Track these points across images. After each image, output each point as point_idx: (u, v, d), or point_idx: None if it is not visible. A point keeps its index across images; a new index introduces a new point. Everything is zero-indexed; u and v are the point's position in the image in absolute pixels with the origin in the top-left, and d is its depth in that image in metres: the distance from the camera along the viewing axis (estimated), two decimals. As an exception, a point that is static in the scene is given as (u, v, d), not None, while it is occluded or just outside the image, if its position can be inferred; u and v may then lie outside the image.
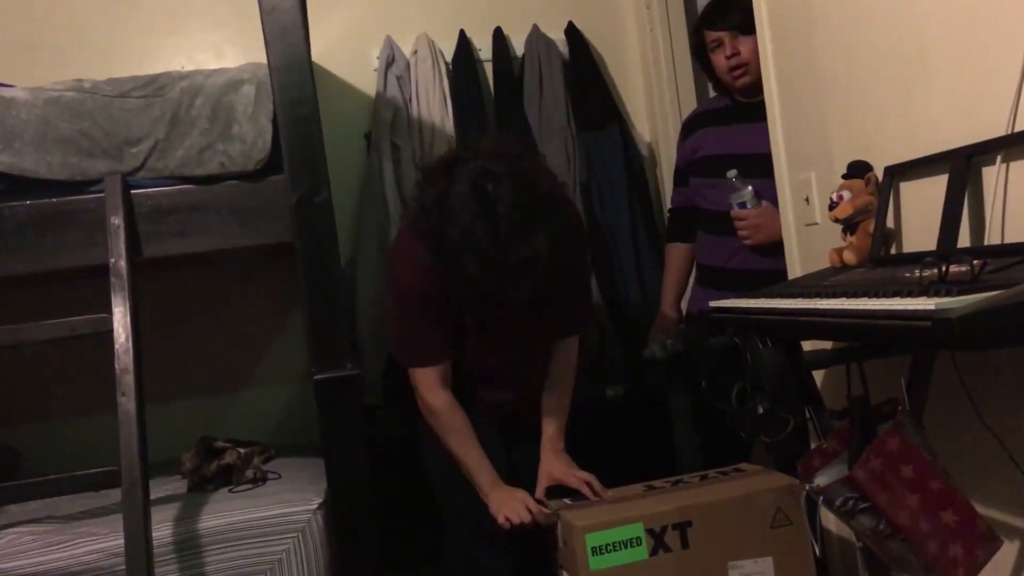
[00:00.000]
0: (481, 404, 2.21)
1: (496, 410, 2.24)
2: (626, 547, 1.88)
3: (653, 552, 1.90)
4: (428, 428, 2.20)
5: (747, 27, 2.53)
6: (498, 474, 2.14)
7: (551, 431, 2.22)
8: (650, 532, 1.89)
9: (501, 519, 2.03)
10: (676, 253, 2.87)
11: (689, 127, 2.80)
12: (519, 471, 2.22)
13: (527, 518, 2.01)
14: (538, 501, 2.08)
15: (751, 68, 2.56)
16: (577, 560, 1.87)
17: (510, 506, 2.03)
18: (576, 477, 2.11)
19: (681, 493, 2.04)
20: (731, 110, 2.70)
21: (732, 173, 2.51)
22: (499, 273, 1.83)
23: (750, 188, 2.49)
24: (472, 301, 2.05)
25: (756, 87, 2.60)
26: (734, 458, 2.29)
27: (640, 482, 2.14)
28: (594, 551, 1.86)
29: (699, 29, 2.70)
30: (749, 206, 2.49)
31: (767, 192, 2.45)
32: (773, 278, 2.24)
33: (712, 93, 2.94)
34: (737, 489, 2.02)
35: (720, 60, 2.61)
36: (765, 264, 2.49)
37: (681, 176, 2.82)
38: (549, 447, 2.21)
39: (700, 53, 2.73)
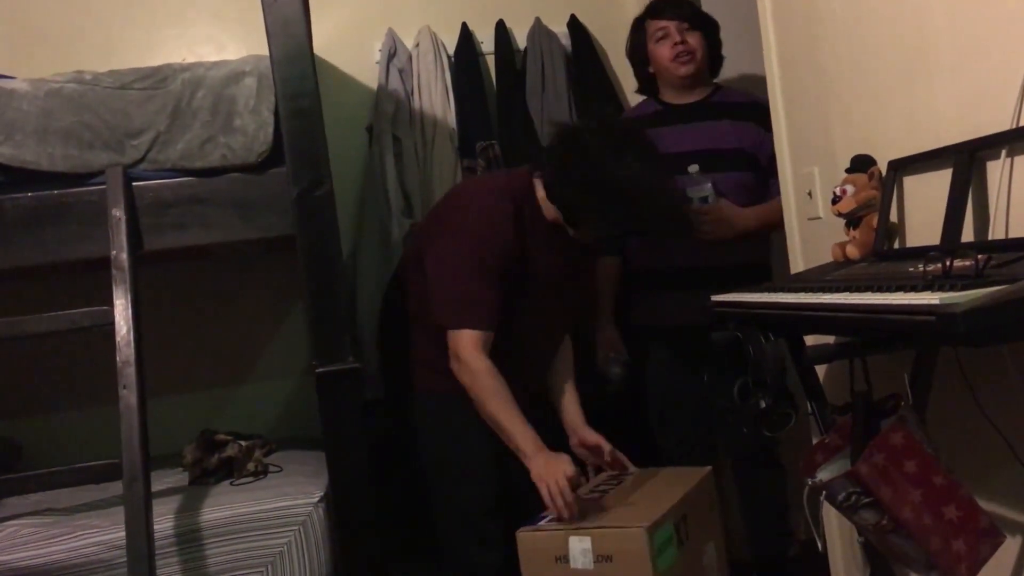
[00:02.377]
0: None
1: None
2: (669, 545, 1.86)
3: (679, 547, 1.90)
4: (427, 421, 2.23)
5: (694, 22, 2.56)
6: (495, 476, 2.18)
7: (578, 407, 2.34)
8: (675, 527, 1.89)
9: (543, 489, 1.95)
10: (610, 266, 2.70)
11: None
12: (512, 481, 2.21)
13: (568, 496, 1.94)
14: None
15: (696, 58, 2.57)
16: (636, 568, 1.78)
17: (552, 476, 1.95)
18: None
19: (655, 488, 2.05)
20: (664, 113, 2.69)
21: (693, 168, 2.51)
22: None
23: (710, 184, 2.49)
24: (531, 270, 2.17)
25: (693, 82, 2.62)
26: None
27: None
28: (658, 552, 1.80)
29: (641, 23, 2.70)
30: (710, 201, 2.49)
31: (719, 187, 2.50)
32: (746, 272, 2.27)
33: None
34: (683, 480, 2.06)
35: (665, 49, 2.60)
36: (730, 259, 2.52)
37: None
38: (582, 421, 2.31)
39: (637, 50, 2.71)
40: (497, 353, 2.12)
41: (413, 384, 2.31)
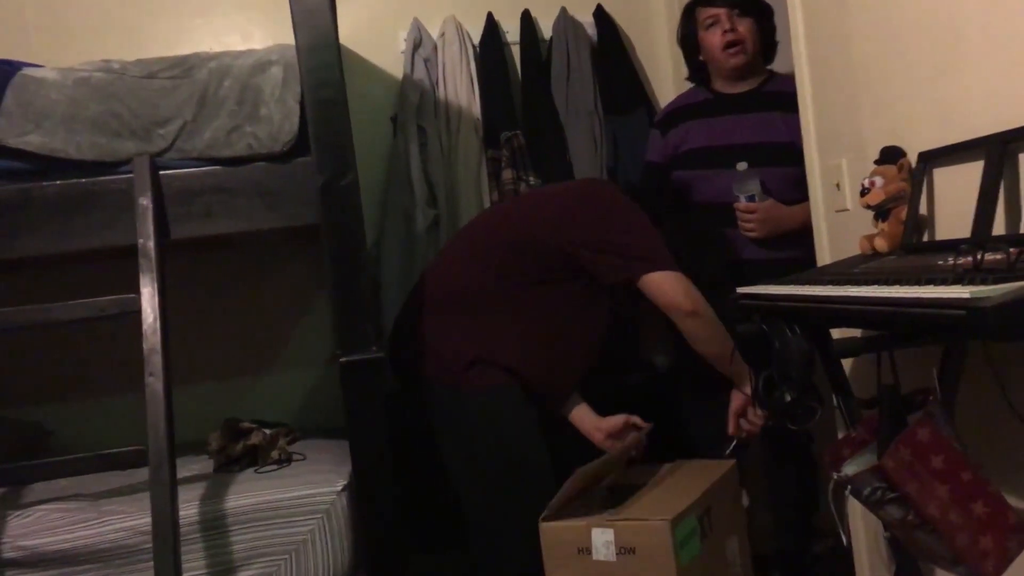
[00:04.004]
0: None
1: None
2: (692, 538, 1.86)
3: (702, 539, 1.89)
4: (491, 415, 2.21)
5: (745, 8, 2.52)
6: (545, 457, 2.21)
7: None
8: (699, 520, 1.89)
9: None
10: None
11: (669, 122, 2.74)
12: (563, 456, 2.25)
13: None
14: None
15: (746, 47, 2.54)
16: (659, 560, 1.77)
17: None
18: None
19: (679, 481, 2.04)
20: (714, 102, 2.66)
21: (742, 166, 2.49)
22: None
23: (758, 181, 2.47)
24: None
25: (744, 72, 2.58)
26: None
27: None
28: (681, 545, 1.79)
29: (691, 9, 2.67)
30: (757, 199, 2.48)
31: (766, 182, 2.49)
32: (782, 267, 2.25)
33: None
34: (707, 473, 2.05)
35: (715, 37, 2.57)
36: (766, 255, 2.51)
37: (657, 172, 2.75)
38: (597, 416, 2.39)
39: (688, 38, 2.69)
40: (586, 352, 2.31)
41: (467, 382, 2.23)
